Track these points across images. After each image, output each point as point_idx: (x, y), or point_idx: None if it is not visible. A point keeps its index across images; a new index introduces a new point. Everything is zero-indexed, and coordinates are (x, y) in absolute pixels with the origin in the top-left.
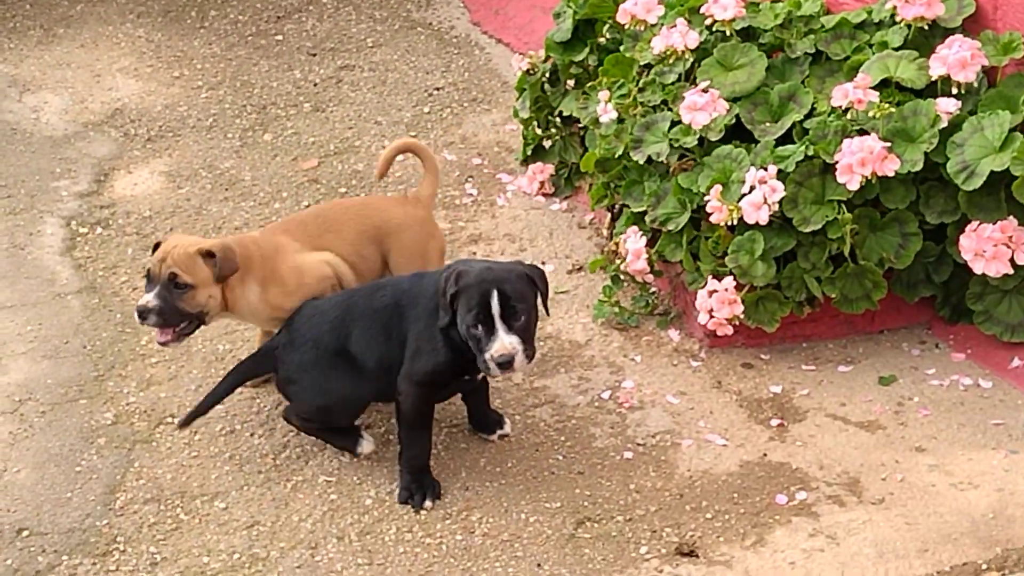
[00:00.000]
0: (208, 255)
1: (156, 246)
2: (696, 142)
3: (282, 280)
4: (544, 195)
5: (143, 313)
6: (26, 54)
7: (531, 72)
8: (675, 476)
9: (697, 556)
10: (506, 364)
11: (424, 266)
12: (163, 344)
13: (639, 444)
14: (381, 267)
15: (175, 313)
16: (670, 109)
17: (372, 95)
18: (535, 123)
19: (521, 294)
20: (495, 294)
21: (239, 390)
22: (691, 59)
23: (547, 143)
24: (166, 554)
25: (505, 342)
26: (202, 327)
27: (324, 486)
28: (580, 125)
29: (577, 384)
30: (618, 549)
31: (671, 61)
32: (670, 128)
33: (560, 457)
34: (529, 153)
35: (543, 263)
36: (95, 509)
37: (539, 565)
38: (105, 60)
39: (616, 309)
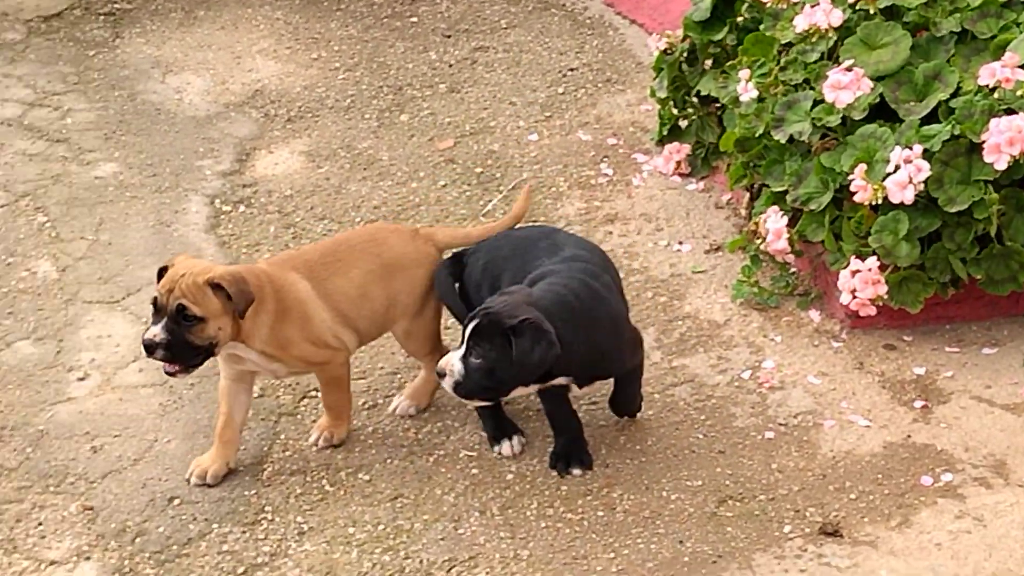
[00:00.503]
0: (217, 287)
1: (162, 272)
2: (839, 121)
3: (292, 319)
4: (680, 175)
5: (150, 347)
6: (168, 36)
7: (669, 52)
8: (818, 456)
9: (841, 536)
10: (440, 375)
11: (427, 305)
12: (170, 375)
13: (780, 424)
14: (386, 306)
15: (184, 347)
16: (812, 88)
17: (507, 76)
18: (672, 103)
19: (484, 350)
20: (472, 324)
21: (379, 365)
22: (834, 38)
23: (683, 123)
24: (312, 524)
25: (452, 358)
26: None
27: (466, 460)
28: (718, 105)
29: (716, 364)
30: (761, 528)
31: (814, 40)
32: (812, 107)
33: (700, 436)
34: (665, 133)
35: (680, 243)
36: (243, 480)
37: (681, 542)
38: (245, 42)
39: (755, 289)
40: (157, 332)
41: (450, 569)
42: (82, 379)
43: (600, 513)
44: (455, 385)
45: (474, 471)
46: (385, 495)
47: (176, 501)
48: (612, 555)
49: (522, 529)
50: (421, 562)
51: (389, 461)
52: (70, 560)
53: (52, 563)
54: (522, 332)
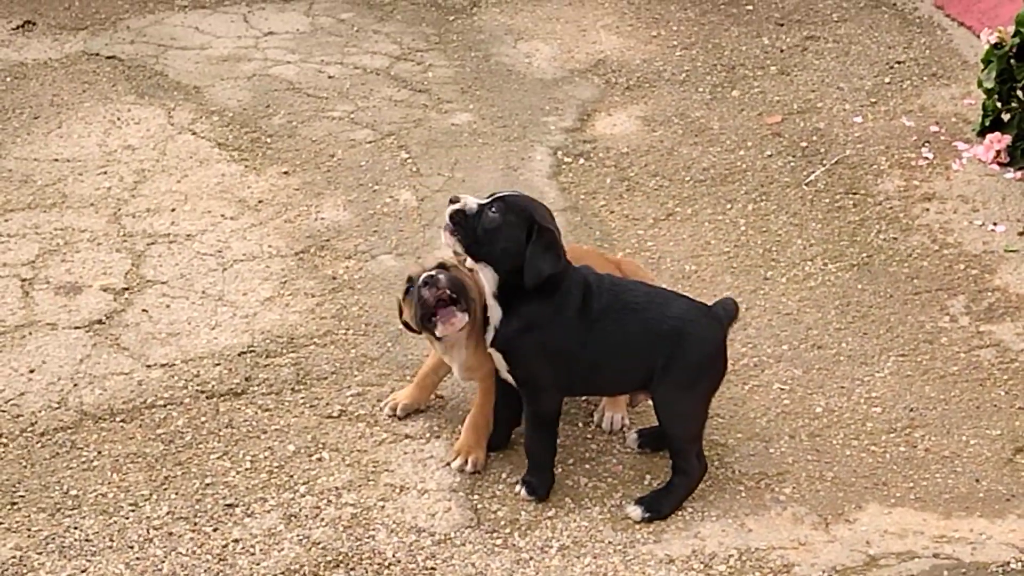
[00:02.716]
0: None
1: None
2: None
3: None
4: (999, 164)
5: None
6: (520, 8)
7: (999, 46)
8: None
9: None
10: (452, 200)
11: None
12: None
13: None
14: None
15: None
16: None
17: (835, 64)
18: (996, 95)
19: (504, 218)
20: (510, 192)
21: None
22: None
23: (1006, 116)
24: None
25: (471, 199)
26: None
27: (778, 392)
28: None
29: (1022, 332)
30: None
31: None
32: None
33: (1002, 393)
34: (987, 124)
35: (994, 224)
36: None
37: (977, 480)
38: (590, 18)
39: None
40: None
41: (759, 481)
42: None
43: (902, 449)
44: (455, 214)
45: (785, 401)
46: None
47: None
48: (911, 485)
49: (827, 455)
50: (733, 472)
51: None
52: (422, 436)
53: (407, 437)
54: (544, 236)
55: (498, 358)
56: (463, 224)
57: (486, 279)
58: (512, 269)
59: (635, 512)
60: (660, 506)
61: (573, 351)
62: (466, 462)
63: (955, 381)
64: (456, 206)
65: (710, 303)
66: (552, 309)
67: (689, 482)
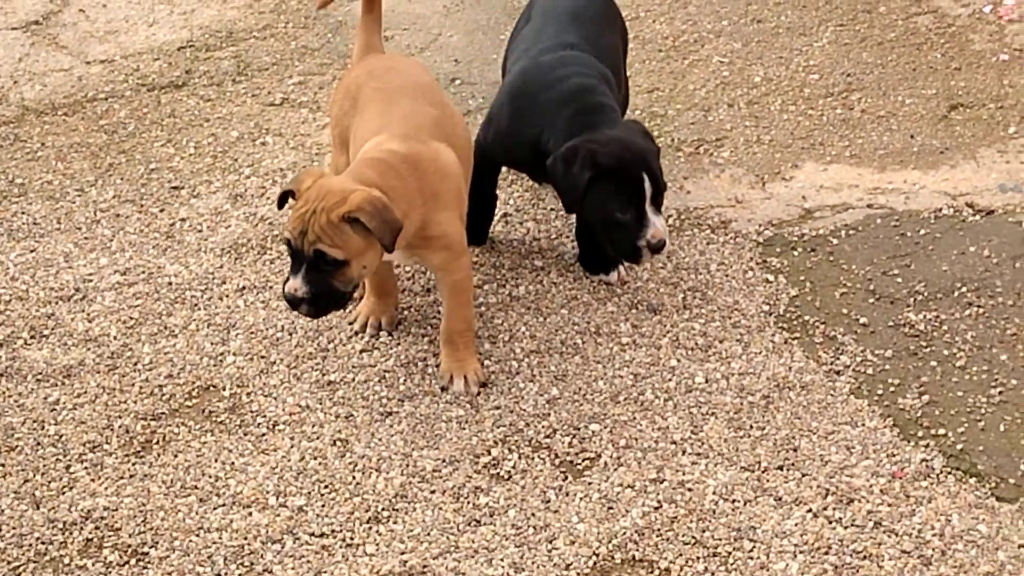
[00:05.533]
0: (355, 221)
1: (284, 197)
2: None
3: (448, 204)
4: None
5: (293, 303)
6: None
7: None
8: None
9: None
10: (661, 247)
11: None
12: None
13: (1016, 50)
14: None
15: (330, 296)
16: None
17: None
18: None
19: (661, 170)
20: (646, 178)
21: None
22: None
23: None
24: None
25: (659, 225)
26: None
27: (718, 64)
28: None
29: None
30: (987, 128)
31: None
32: None
33: (939, 55)
34: None
35: None
36: None
37: (912, 136)
38: None
39: None
40: (299, 285)
41: (698, 147)
42: None
43: (839, 111)
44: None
45: (725, 73)
46: (642, 88)
47: (457, 81)
48: (847, 144)
49: (765, 120)
50: (672, 140)
51: (648, 62)
52: None
53: None
54: (644, 136)
55: None
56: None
57: None
58: None
59: None
60: None
61: None
62: (464, 380)
63: (892, 46)
64: None
65: None
66: None
67: None
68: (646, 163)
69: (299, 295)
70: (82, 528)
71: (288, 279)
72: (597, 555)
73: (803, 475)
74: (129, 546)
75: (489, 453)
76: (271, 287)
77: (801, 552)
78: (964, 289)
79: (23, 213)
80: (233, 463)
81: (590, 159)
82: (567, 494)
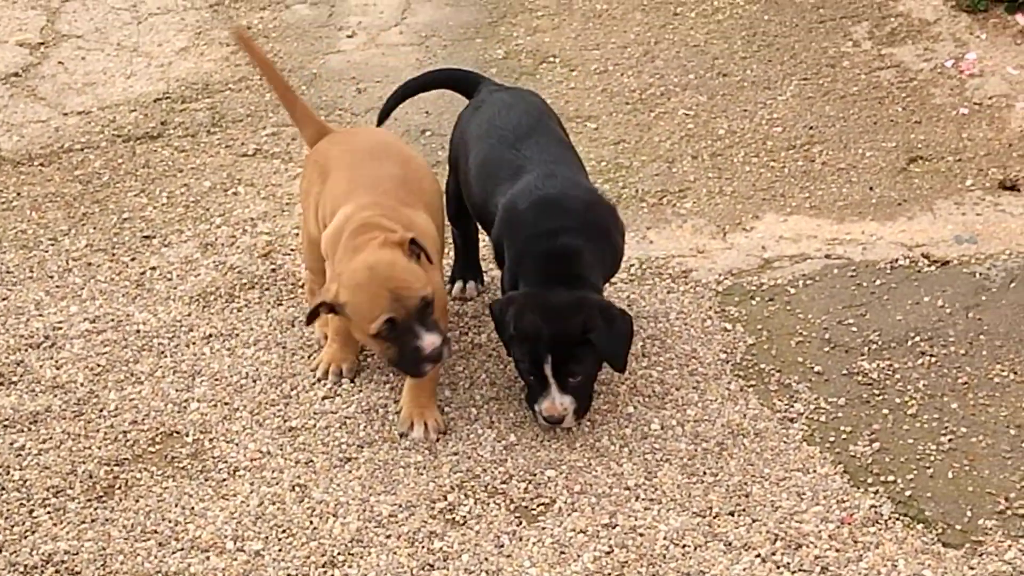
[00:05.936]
0: (415, 244)
1: (314, 312)
2: None
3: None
4: None
5: (436, 357)
6: None
7: None
8: (1006, 130)
9: (1019, 191)
10: (554, 422)
11: None
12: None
13: (976, 103)
14: None
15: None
16: None
17: None
18: None
19: (580, 357)
20: (549, 357)
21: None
22: None
23: None
24: None
25: (556, 402)
26: None
27: (683, 117)
28: None
29: (922, 54)
30: (945, 181)
31: None
32: None
33: (900, 109)
34: None
35: None
36: None
37: (871, 188)
38: None
39: None
40: (436, 341)
41: (662, 198)
42: (350, 36)
43: (800, 163)
44: (576, 417)
45: (690, 126)
46: (609, 140)
47: (427, 133)
48: (807, 195)
49: (728, 172)
50: (636, 191)
51: (615, 114)
52: None
53: None
54: (601, 312)
55: None
56: None
57: None
58: None
59: None
60: None
61: None
62: (424, 427)
63: (855, 100)
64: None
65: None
66: None
67: None
68: (554, 343)
69: (441, 350)
70: (43, 571)
71: (431, 345)
72: None
73: (753, 520)
74: None
75: (445, 499)
76: (238, 334)
77: None
78: (917, 338)
79: None
80: (193, 508)
81: (514, 316)
82: (520, 539)
